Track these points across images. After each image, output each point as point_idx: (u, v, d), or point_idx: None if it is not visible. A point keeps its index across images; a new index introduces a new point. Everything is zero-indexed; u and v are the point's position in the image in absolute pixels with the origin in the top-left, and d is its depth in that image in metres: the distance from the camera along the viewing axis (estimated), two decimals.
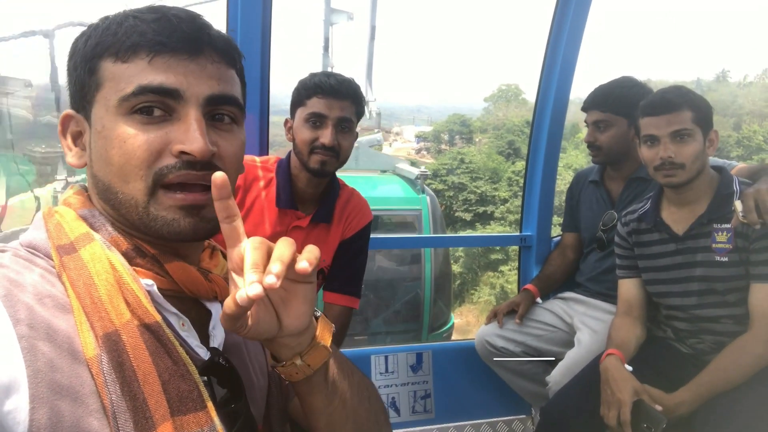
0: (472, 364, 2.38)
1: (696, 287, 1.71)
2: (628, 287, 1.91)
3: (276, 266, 0.59)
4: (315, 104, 1.63)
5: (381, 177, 7.80)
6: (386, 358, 2.35)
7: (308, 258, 0.64)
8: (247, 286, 0.58)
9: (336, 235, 1.79)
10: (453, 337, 7.95)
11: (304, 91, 1.66)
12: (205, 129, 0.70)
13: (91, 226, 0.71)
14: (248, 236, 1.72)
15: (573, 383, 1.86)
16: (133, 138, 0.68)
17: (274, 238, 1.80)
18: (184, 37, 0.70)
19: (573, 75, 2.49)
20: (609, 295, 2.15)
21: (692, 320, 1.74)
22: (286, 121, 1.74)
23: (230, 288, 0.65)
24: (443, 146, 34.57)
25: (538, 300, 2.38)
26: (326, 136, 1.62)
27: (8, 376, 0.57)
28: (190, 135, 0.69)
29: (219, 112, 0.74)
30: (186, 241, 0.73)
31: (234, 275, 0.65)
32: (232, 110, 0.75)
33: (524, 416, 2.48)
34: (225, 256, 0.83)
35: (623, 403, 1.59)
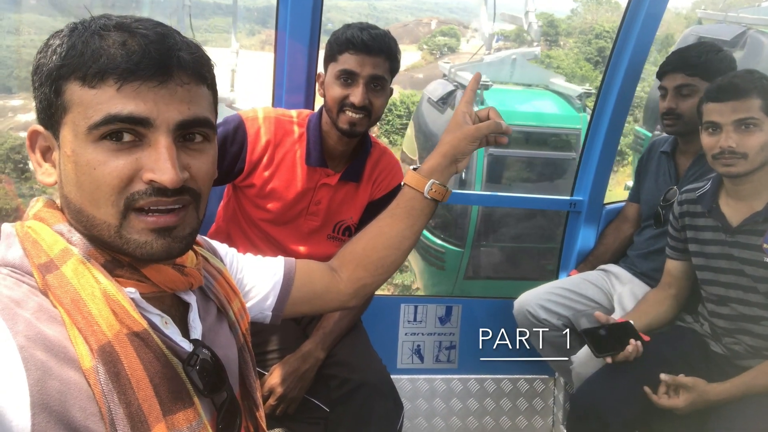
0: (500, 321, 2.39)
1: (744, 282, 1.65)
2: (676, 266, 1.90)
3: None
4: (346, 60, 1.56)
5: (535, 91, 7.48)
6: (415, 308, 2.39)
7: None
8: None
9: (365, 194, 1.78)
10: None
11: (336, 46, 1.58)
12: (175, 156, 0.70)
13: (69, 241, 0.73)
14: (278, 193, 1.71)
15: (603, 371, 1.82)
16: (103, 165, 0.69)
17: (303, 194, 1.81)
18: (154, 63, 0.68)
19: None
20: (653, 278, 2.06)
21: (733, 318, 1.70)
22: (318, 76, 1.69)
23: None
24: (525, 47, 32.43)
25: None
26: (357, 95, 1.56)
27: (13, 386, 0.61)
28: (161, 164, 0.69)
29: (190, 132, 0.74)
30: (159, 261, 0.75)
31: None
32: (203, 130, 0.75)
33: (546, 377, 2.51)
34: (193, 250, 0.87)
35: None
